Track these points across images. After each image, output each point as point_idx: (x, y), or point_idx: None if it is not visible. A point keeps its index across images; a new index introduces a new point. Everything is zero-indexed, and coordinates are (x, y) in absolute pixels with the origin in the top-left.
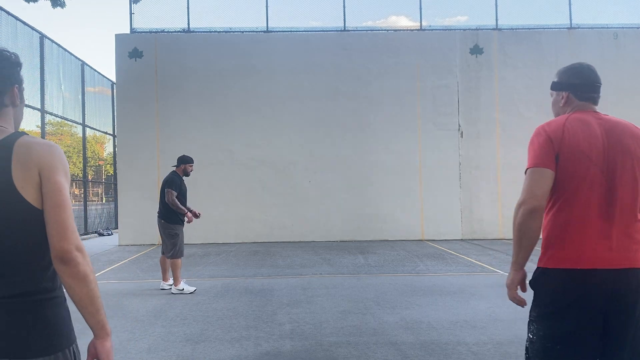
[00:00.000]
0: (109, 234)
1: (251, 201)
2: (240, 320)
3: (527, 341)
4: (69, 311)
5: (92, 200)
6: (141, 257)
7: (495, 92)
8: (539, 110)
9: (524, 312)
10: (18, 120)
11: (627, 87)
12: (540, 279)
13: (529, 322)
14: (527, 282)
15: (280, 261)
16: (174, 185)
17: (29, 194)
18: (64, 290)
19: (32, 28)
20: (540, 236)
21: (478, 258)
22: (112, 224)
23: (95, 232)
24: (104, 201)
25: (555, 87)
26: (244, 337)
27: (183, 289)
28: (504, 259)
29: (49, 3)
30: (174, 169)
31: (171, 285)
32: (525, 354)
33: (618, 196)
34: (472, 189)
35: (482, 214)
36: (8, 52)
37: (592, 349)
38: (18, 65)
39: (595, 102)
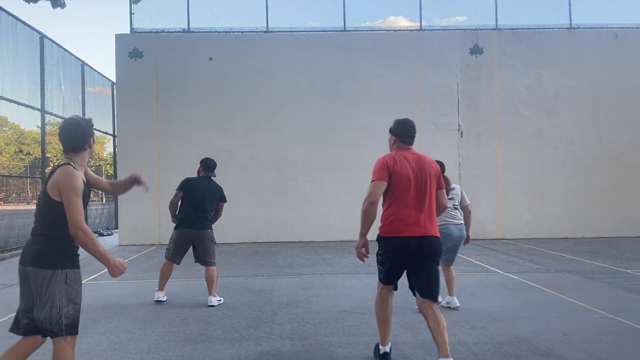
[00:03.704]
0: (109, 234)
1: (251, 201)
2: (240, 320)
3: (377, 264)
4: (72, 252)
5: (92, 200)
6: (141, 257)
7: (495, 92)
8: (539, 110)
9: (524, 312)
10: (91, 155)
11: (627, 87)
12: (381, 240)
13: (377, 257)
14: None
15: (280, 261)
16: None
17: (54, 194)
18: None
19: (32, 28)
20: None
21: (478, 258)
22: (112, 224)
23: (96, 232)
24: (104, 201)
25: (390, 132)
26: (244, 337)
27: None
28: (504, 259)
29: (49, 3)
30: (211, 177)
31: (219, 300)
32: (379, 275)
33: (422, 197)
34: (472, 189)
35: (482, 214)
36: (84, 119)
37: (401, 270)
38: (92, 126)
39: (411, 144)
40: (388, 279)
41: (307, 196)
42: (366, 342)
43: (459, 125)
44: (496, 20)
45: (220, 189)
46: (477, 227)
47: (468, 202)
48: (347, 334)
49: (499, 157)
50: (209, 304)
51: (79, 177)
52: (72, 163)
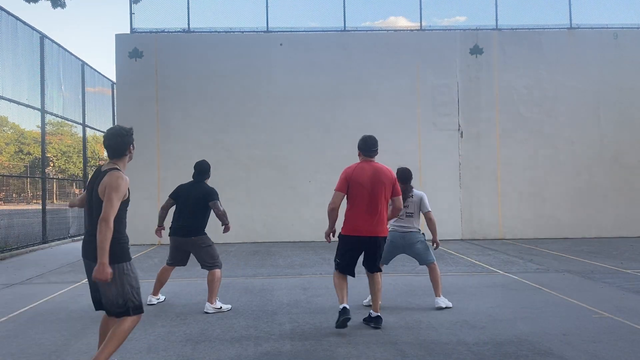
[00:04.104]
0: None
1: (251, 201)
2: (240, 320)
3: (335, 259)
4: (126, 247)
5: None
6: (141, 257)
7: (495, 92)
8: (539, 110)
9: (524, 312)
10: (131, 159)
11: (627, 87)
12: (340, 237)
13: (337, 250)
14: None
15: (280, 261)
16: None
17: (102, 195)
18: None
19: (32, 28)
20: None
21: (478, 258)
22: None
23: None
24: None
25: (358, 147)
26: (244, 337)
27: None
28: (504, 259)
29: (49, 3)
30: (202, 180)
31: (218, 309)
32: (335, 264)
33: (375, 203)
34: (472, 189)
35: (482, 214)
36: (125, 129)
37: (354, 262)
38: (131, 134)
39: (372, 157)
40: (346, 271)
41: (307, 196)
42: (366, 342)
43: (459, 125)
44: (496, 20)
45: (206, 191)
46: (477, 227)
47: (428, 209)
48: (347, 334)
49: (499, 157)
50: (205, 310)
51: (126, 181)
52: (118, 167)
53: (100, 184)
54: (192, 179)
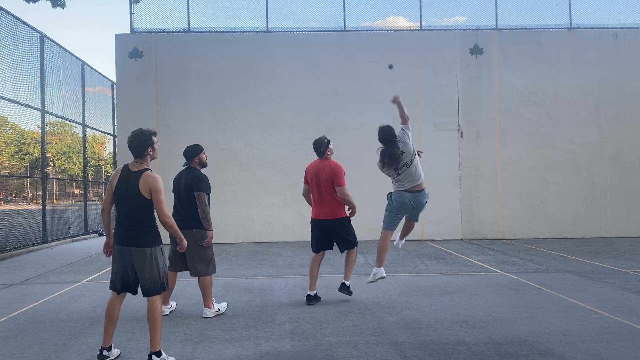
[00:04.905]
0: None
1: (251, 201)
2: (240, 320)
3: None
4: (158, 234)
5: (92, 200)
6: None
7: (495, 92)
8: (539, 110)
9: (524, 312)
10: (153, 158)
11: (627, 87)
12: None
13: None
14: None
15: (280, 261)
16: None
17: (145, 193)
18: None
19: (32, 28)
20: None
21: (478, 258)
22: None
23: (95, 232)
24: None
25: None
26: (244, 337)
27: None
28: (504, 259)
29: (49, 3)
30: (187, 165)
31: (215, 312)
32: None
33: (321, 194)
34: (472, 189)
35: (482, 214)
36: (148, 131)
37: (321, 242)
38: (150, 137)
39: (322, 156)
40: (315, 249)
41: None
42: (366, 342)
43: (459, 125)
44: (496, 20)
45: (193, 177)
46: (477, 227)
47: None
48: (347, 334)
49: (499, 157)
50: (203, 315)
51: (161, 179)
52: (149, 167)
53: (141, 184)
54: (188, 166)
